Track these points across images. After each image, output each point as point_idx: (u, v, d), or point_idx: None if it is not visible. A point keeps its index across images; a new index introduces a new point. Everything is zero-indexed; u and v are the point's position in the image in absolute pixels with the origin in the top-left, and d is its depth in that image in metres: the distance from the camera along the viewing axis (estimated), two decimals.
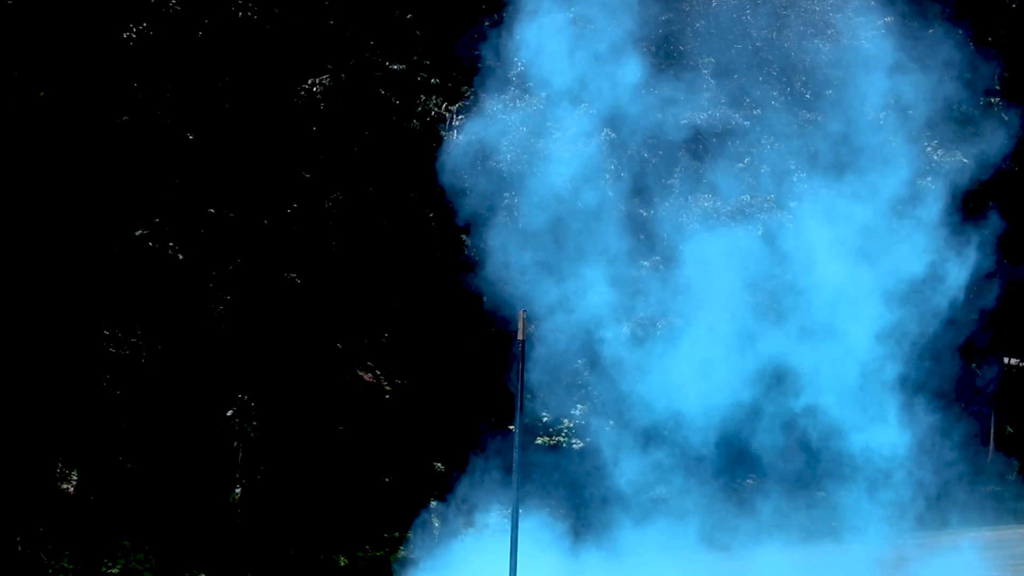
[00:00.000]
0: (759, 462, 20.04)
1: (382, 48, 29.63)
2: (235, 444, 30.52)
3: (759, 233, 20.91)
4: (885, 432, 18.76)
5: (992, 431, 39.13)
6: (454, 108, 28.80)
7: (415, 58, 29.67)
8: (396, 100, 29.45)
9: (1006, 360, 40.36)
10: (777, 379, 18.82)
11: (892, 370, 18.89)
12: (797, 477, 20.53)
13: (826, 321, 18.57)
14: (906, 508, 19.58)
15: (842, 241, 18.87)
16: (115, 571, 27.05)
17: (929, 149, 25.23)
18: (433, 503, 30.05)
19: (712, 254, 19.73)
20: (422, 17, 30.55)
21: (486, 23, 27.12)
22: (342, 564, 29.82)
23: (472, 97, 26.33)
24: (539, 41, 20.09)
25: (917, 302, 19.09)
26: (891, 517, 19.46)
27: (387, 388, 32.63)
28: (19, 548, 26.41)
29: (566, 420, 25.46)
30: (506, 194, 21.34)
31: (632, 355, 19.36)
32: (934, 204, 19.49)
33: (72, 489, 29.57)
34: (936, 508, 21.35)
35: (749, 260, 19.61)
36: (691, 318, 19.14)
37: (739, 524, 19.77)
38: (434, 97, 29.58)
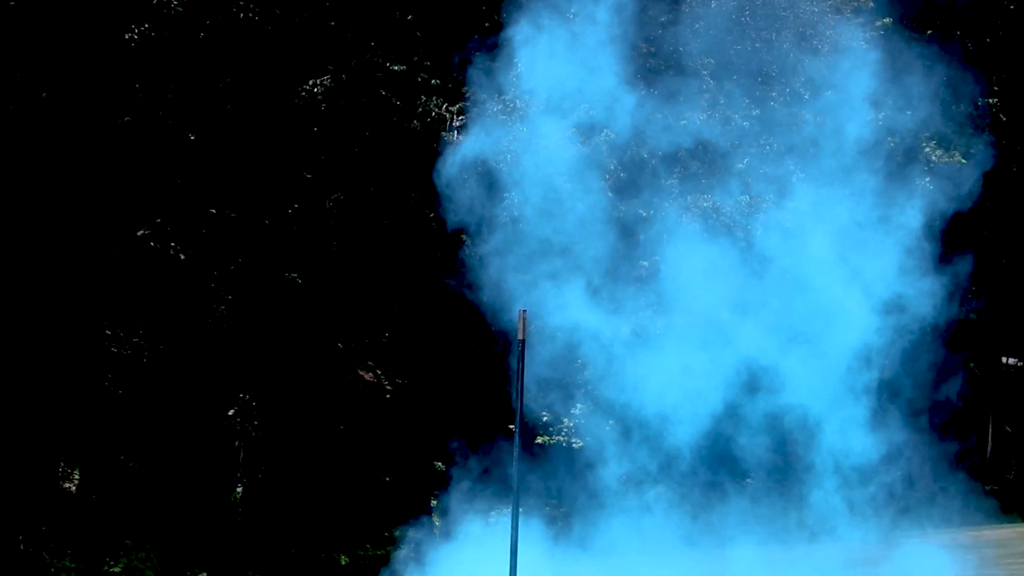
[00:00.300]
0: (751, 464, 20.13)
1: (383, 49, 29.66)
2: (236, 443, 30.64)
3: (758, 234, 20.92)
4: (860, 437, 18.92)
5: (990, 432, 39.21)
6: (454, 109, 28.81)
7: (416, 59, 29.71)
8: (397, 101, 29.49)
9: (1004, 359, 40.42)
10: (768, 382, 18.89)
11: (869, 377, 19.01)
12: (779, 478, 20.65)
13: (810, 326, 18.65)
14: (880, 511, 19.75)
15: (830, 247, 18.94)
16: (117, 570, 27.15)
17: (926, 149, 25.28)
18: (434, 501, 30.13)
19: (708, 256, 19.74)
20: (423, 18, 30.58)
21: (486, 24, 27.16)
22: (343, 563, 29.91)
23: (470, 99, 26.37)
24: (535, 43, 20.10)
25: (893, 315, 19.19)
26: (864, 519, 19.63)
27: (387, 388, 32.69)
28: (21, 547, 26.50)
29: (566, 420, 25.49)
30: (504, 195, 21.36)
31: (627, 357, 19.39)
32: (916, 218, 19.55)
33: (74, 488, 29.70)
34: (910, 512, 21.52)
35: (745, 263, 19.64)
36: (682, 321, 19.17)
37: (728, 524, 19.88)
38: (434, 98, 29.61)
